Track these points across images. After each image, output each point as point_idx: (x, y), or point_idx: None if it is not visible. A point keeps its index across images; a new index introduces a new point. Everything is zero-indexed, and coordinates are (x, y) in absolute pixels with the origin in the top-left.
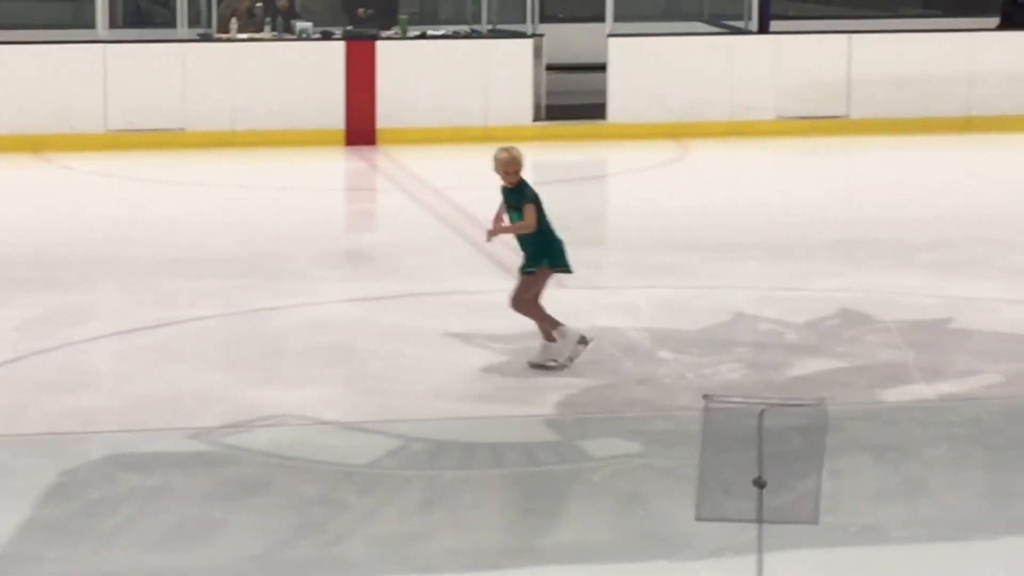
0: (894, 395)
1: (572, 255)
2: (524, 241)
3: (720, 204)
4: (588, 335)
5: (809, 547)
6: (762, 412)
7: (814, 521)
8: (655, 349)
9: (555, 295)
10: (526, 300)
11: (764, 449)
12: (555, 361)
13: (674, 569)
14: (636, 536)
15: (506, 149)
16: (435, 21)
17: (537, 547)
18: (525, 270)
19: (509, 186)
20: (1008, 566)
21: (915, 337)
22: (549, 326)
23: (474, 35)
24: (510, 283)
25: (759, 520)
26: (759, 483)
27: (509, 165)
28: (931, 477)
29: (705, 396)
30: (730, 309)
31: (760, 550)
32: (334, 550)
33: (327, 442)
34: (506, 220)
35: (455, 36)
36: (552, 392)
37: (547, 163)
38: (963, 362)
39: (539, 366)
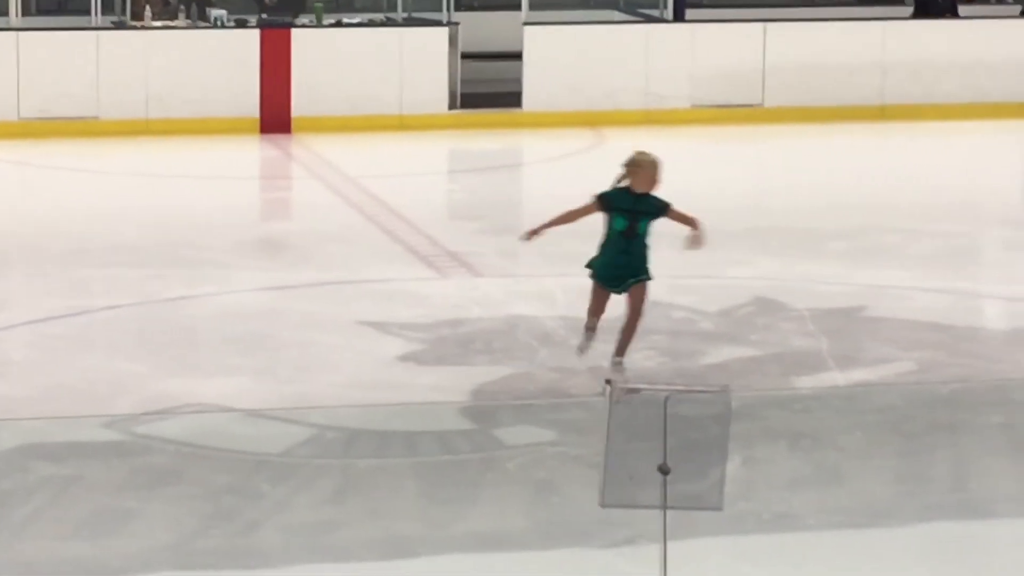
0: (808, 382)
1: (487, 244)
2: (644, 250)
3: None
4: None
5: (723, 535)
6: (666, 399)
7: (719, 508)
8: (570, 337)
9: (469, 283)
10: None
11: (668, 436)
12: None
13: (587, 557)
14: (549, 524)
15: (651, 155)
16: (350, 9)
17: (451, 535)
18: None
19: (639, 192)
20: (922, 552)
21: (828, 325)
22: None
23: (389, 23)
24: (425, 271)
25: (663, 507)
26: (663, 470)
27: (657, 172)
28: (845, 464)
29: (607, 382)
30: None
31: (665, 538)
32: (247, 539)
33: (240, 431)
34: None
35: (370, 24)
36: (467, 380)
37: (463, 151)
38: (876, 349)
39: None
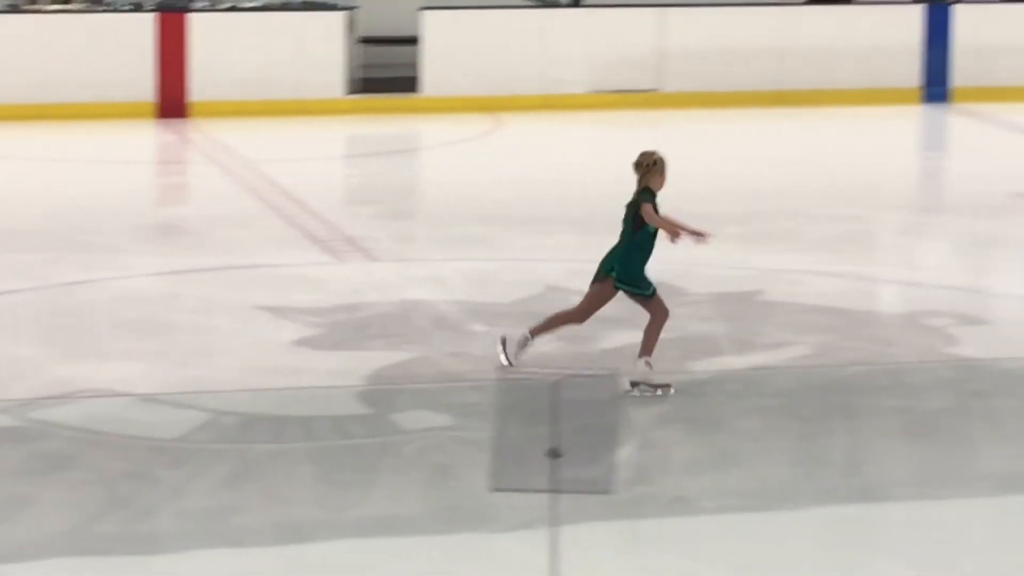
0: (705, 367)
1: (383, 228)
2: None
3: (532, 177)
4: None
5: (620, 519)
6: (556, 383)
7: (607, 491)
8: (466, 321)
9: (366, 267)
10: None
11: (558, 420)
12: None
13: (483, 541)
14: (446, 508)
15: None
16: None
17: (347, 520)
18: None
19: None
20: (817, 535)
21: (725, 309)
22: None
23: (287, 7)
24: (322, 256)
25: (552, 491)
26: (552, 454)
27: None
28: (741, 448)
29: (498, 367)
30: (541, 282)
31: (554, 522)
32: (143, 525)
33: (137, 416)
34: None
35: (268, 8)
36: (363, 365)
37: (360, 136)
38: (772, 333)
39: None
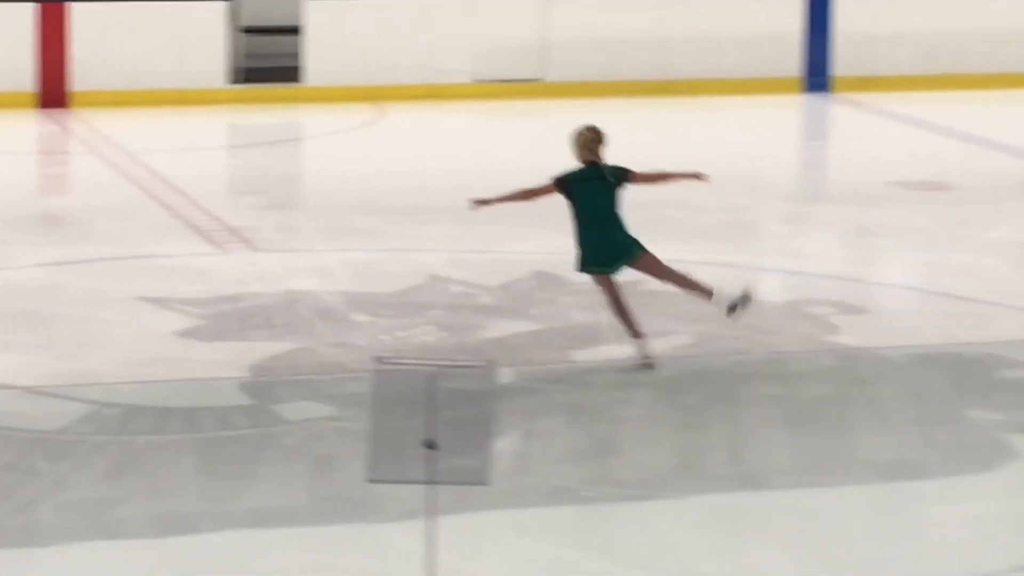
0: (587, 356)
1: (267, 219)
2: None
3: (415, 167)
4: None
5: (502, 508)
6: (433, 374)
7: (484, 482)
8: (349, 312)
9: (249, 258)
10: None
11: (435, 411)
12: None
13: (365, 531)
14: (330, 499)
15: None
16: None
17: (230, 511)
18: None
19: (597, 162)
20: (698, 523)
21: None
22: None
23: None
24: (205, 246)
25: (428, 482)
26: (429, 445)
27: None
28: (623, 437)
29: (375, 358)
30: (424, 272)
31: (431, 512)
32: (23, 517)
33: (17, 408)
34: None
35: None
36: (246, 356)
37: (243, 126)
38: (654, 323)
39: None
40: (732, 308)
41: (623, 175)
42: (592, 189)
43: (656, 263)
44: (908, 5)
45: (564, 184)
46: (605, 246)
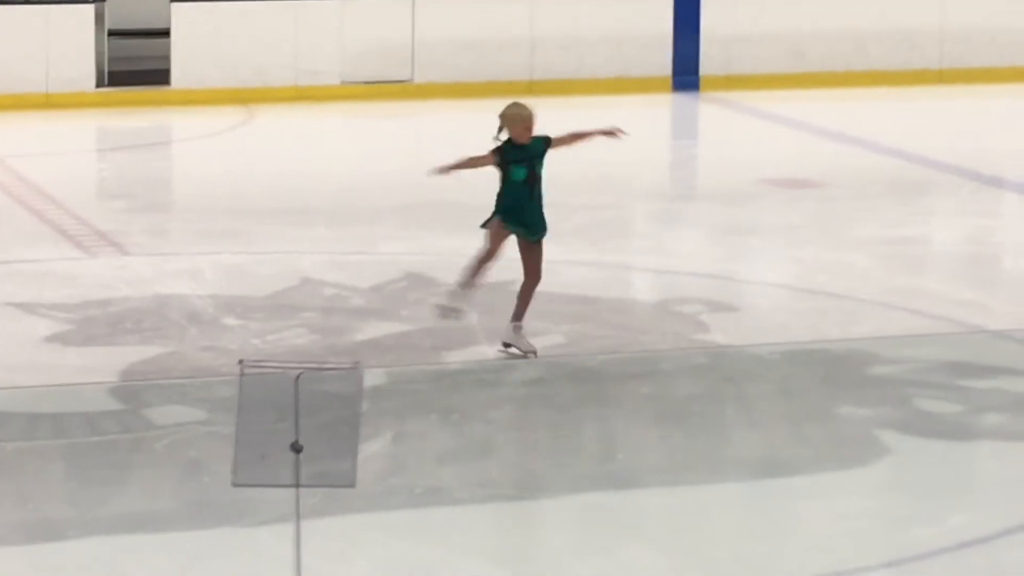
0: (458, 357)
1: (136, 222)
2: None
3: (286, 169)
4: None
5: (374, 510)
6: (298, 377)
7: (351, 485)
8: (220, 315)
9: (118, 262)
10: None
11: (302, 414)
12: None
13: (234, 535)
14: (200, 503)
15: (524, 104)
16: None
17: (101, 516)
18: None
19: (524, 142)
20: (571, 523)
21: (479, 299)
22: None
23: (35, 1)
24: (73, 251)
25: (295, 485)
26: (295, 448)
27: (533, 120)
28: (495, 437)
29: (241, 361)
30: (296, 274)
31: (304, 514)
32: None
33: None
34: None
35: (15, 1)
36: (116, 360)
37: (111, 129)
38: (526, 323)
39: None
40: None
41: (547, 143)
42: (527, 167)
43: (540, 257)
44: (774, 4)
45: (504, 160)
46: (531, 215)
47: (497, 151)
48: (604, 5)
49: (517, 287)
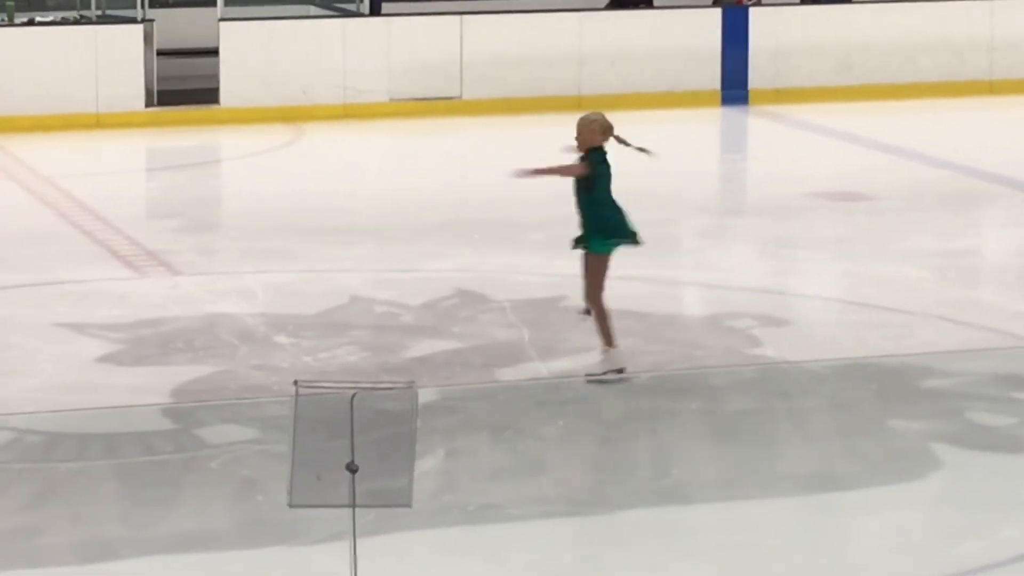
0: (509, 373)
1: (186, 242)
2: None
3: (334, 188)
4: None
5: (428, 527)
6: (353, 397)
7: (408, 504)
8: (271, 334)
9: (168, 282)
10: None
11: (356, 434)
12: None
13: (293, 554)
14: (254, 522)
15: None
16: (43, 7)
17: (154, 536)
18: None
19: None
20: (624, 539)
21: (529, 315)
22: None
23: (83, 21)
24: (124, 271)
25: (351, 505)
26: (351, 468)
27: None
28: (547, 454)
29: (295, 382)
30: (346, 292)
31: (354, 535)
32: None
33: None
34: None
35: (64, 22)
36: (167, 380)
37: (161, 149)
38: (576, 339)
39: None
40: (597, 376)
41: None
42: (608, 171)
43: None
44: (822, 16)
45: (592, 165)
46: (622, 222)
47: (584, 159)
48: (652, 19)
49: (567, 302)
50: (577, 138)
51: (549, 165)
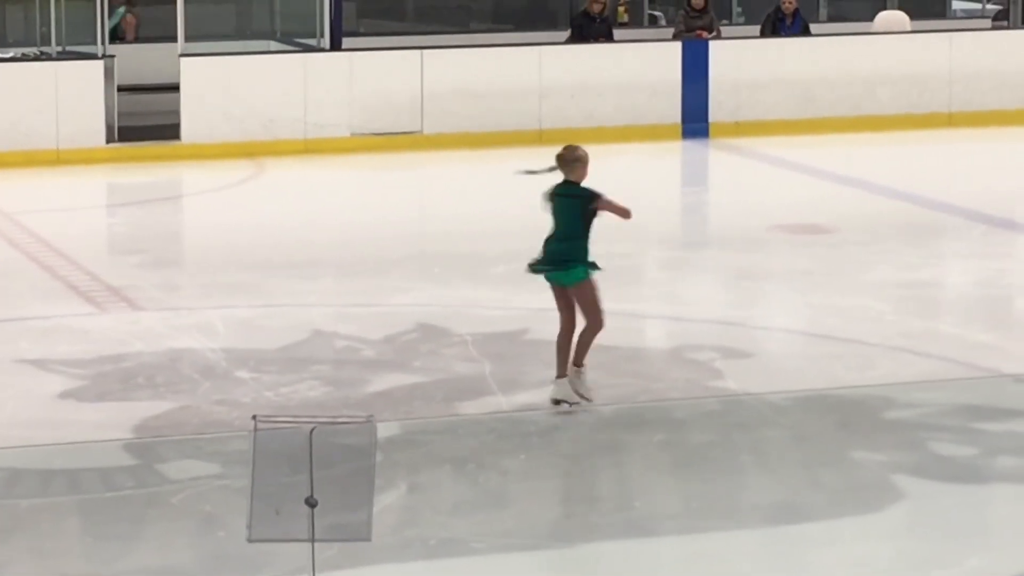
0: (472, 407)
1: (147, 277)
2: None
3: (296, 222)
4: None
5: (389, 562)
6: (312, 431)
7: (367, 538)
8: (233, 369)
9: (130, 317)
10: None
11: (316, 468)
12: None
13: None
14: (216, 557)
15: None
16: (3, 44)
17: (117, 572)
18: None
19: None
20: (587, 572)
21: (491, 349)
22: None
23: (44, 57)
24: (85, 307)
25: (311, 539)
26: (310, 502)
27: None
28: (510, 488)
29: (254, 417)
30: (307, 327)
31: (313, 570)
32: None
33: None
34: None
35: (24, 59)
36: (129, 416)
37: (122, 185)
38: (538, 372)
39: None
40: (557, 402)
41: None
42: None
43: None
44: (781, 49)
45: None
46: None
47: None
48: (612, 53)
49: (529, 336)
50: (582, 171)
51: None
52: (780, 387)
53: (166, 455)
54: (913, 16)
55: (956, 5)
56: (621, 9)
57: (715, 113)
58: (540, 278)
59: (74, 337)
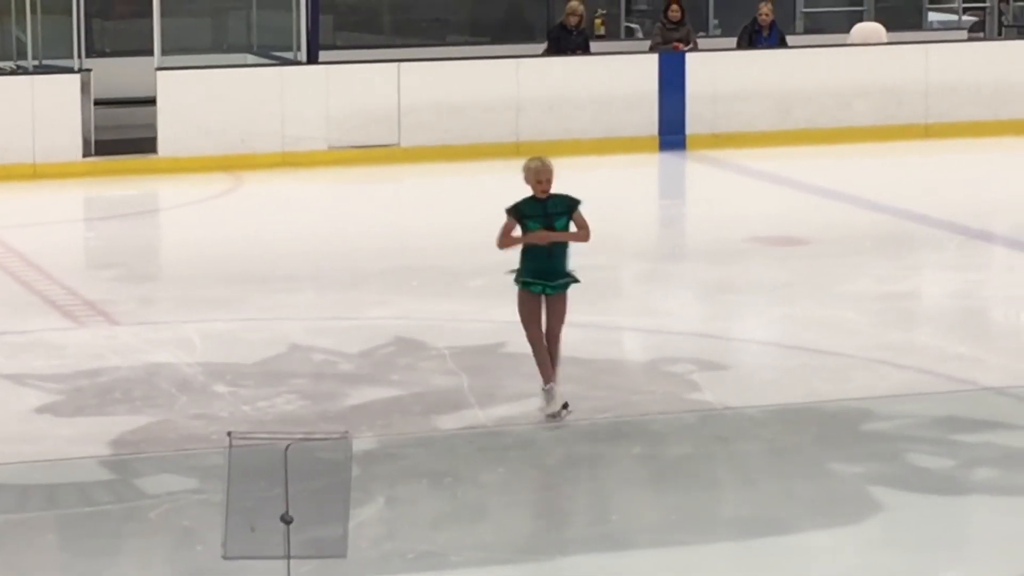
0: (449, 421)
1: (124, 291)
2: (564, 252)
3: (273, 236)
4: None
5: (367, 575)
6: (287, 448)
7: (343, 555)
8: (210, 383)
9: (107, 332)
10: None
11: (291, 484)
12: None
13: None
14: (193, 572)
15: (540, 158)
16: None
17: None
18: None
19: (542, 196)
20: None
21: (468, 362)
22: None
23: (20, 71)
24: (62, 321)
25: (286, 556)
26: (286, 519)
27: (547, 173)
28: (488, 501)
29: (229, 434)
30: (285, 341)
31: None
32: None
33: None
34: (518, 231)
35: (0, 72)
36: (106, 431)
37: (98, 199)
38: (516, 385)
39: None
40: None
41: (571, 207)
42: (542, 223)
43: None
44: (758, 62)
45: (520, 216)
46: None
47: (513, 210)
48: (589, 65)
49: (506, 349)
50: (549, 181)
51: (502, 238)
52: (757, 400)
53: (143, 470)
54: (889, 28)
55: (932, 17)
56: (598, 22)
57: (692, 125)
58: (516, 289)
59: (51, 352)
